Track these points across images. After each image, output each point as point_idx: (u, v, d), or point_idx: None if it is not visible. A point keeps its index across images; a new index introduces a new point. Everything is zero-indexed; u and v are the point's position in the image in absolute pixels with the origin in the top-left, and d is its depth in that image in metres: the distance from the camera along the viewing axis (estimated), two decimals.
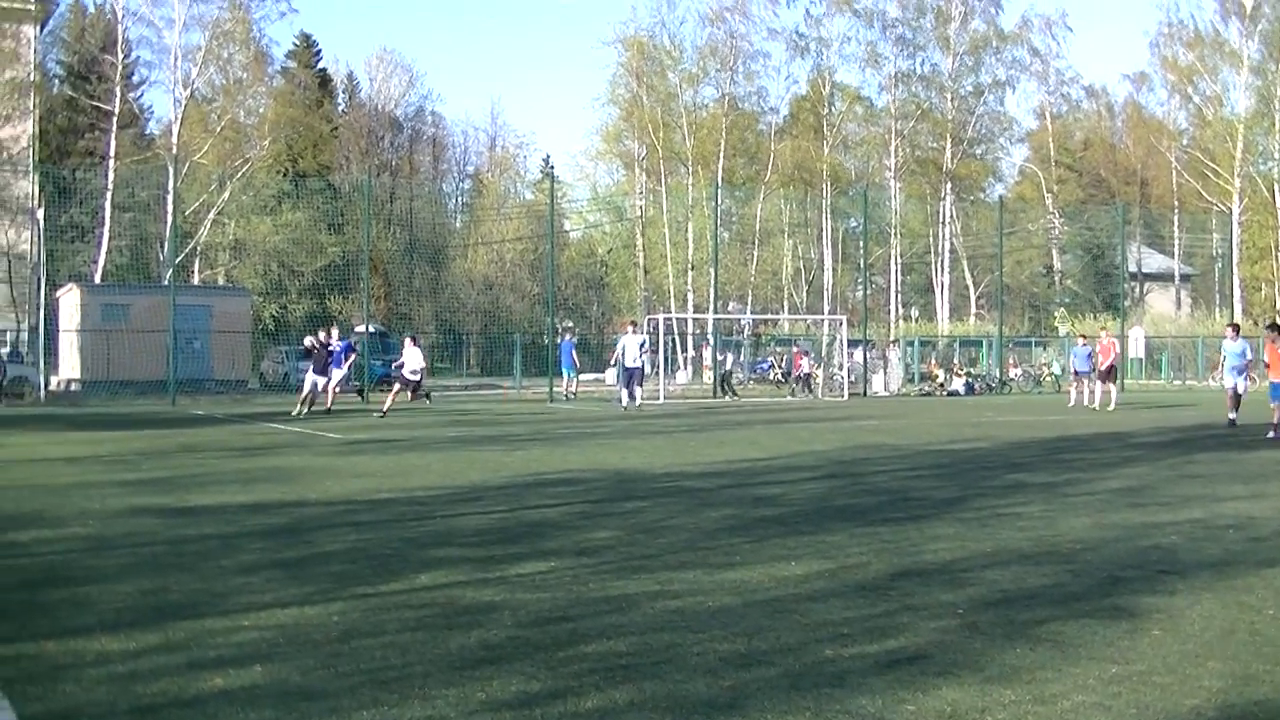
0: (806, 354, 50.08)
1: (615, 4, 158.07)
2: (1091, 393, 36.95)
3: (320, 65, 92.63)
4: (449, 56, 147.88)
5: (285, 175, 69.20)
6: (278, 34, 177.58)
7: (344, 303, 70.31)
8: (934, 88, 79.11)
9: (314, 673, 6.59)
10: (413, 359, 31.69)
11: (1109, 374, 36.54)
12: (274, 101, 68.13)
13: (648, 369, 39.36)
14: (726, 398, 44.78)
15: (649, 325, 43.60)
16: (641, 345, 37.70)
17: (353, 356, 33.61)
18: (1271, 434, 23.33)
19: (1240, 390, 26.78)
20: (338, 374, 32.36)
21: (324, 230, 72.32)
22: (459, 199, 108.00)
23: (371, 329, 38.79)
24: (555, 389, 44.58)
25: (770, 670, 6.69)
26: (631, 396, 35.81)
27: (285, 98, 69.89)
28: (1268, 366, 25.03)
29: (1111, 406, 35.32)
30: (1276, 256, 70.42)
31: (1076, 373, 38.86)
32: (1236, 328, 27.57)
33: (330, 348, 31.97)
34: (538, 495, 14.54)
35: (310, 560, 10.10)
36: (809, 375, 48.41)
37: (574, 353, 45.61)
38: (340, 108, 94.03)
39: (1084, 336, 42.68)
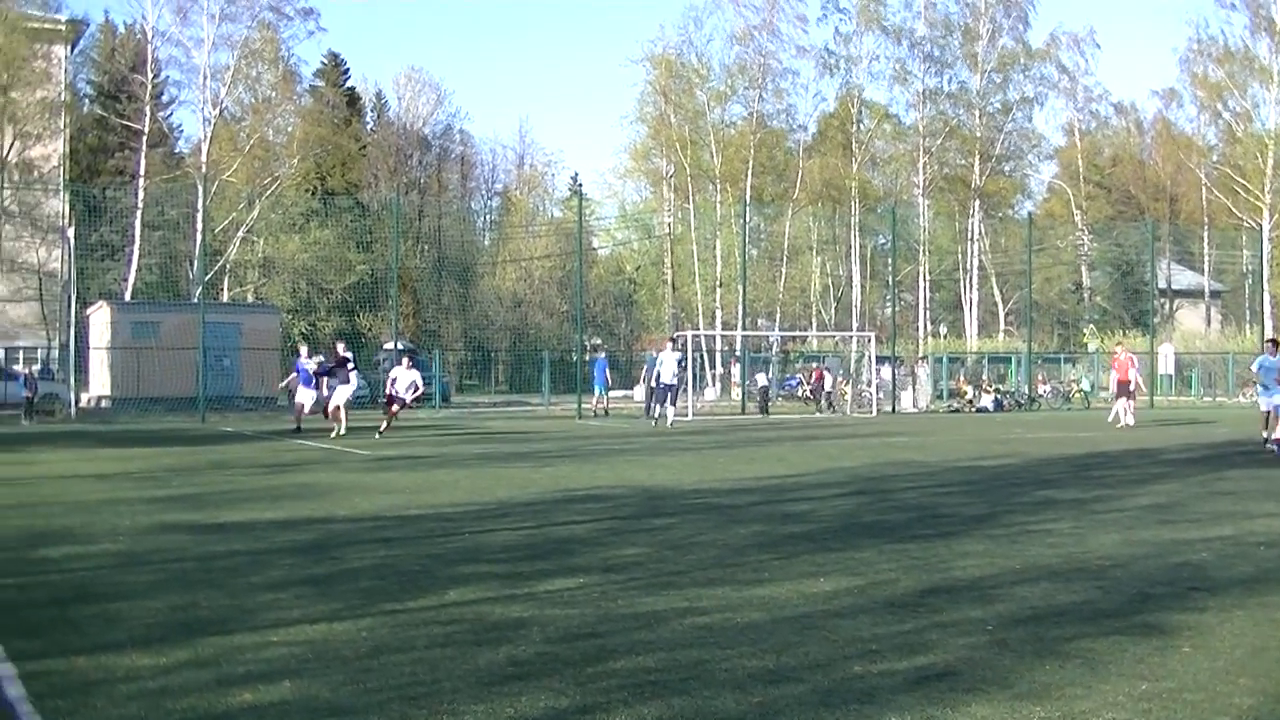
0: (828, 369, 50.08)
1: (643, 23, 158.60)
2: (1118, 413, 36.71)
3: (348, 84, 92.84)
4: (477, 75, 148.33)
5: (314, 193, 69.38)
6: (306, 53, 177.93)
7: (373, 320, 70.47)
8: (962, 105, 79.03)
9: (343, 689, 6.60)
10: (403, 379, 30.32)
11: (1126, 390, 36.22)
12: (302, 120, 68.36)
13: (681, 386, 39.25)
14: (759, 415, 44.77)
15: (677, 342, 43.57)
16: (680, 362, 37.76)
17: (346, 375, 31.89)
18: (1277, 448, 23.15)
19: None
20: (309, 394, 31.57)
21: (352, 248, 72.51)
22: (487, 217, 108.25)
23: (400, 346, 38.82)
24: (586, 405, 44.61)
25: (799, 687, 6.68)
26: (665, 414, 35.82)
27: (314, 116, 70.10)
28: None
29: (1130, 423, 34.97)
30: None
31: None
32: (1276, 343, 26.73)
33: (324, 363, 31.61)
34: (566, 512, 14.55)
35: (338, 576, 10.13)
36: (830, 391, 48.41)
37: (606, 370, 45.71)
38: (369, 126, 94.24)
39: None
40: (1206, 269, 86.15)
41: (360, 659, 7.23)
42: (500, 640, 7.74)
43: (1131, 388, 36.81)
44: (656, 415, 35.92)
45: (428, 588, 9.55)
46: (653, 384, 38.83)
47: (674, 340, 40.20)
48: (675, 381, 36.63)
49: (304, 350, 31.91)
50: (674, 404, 36.52)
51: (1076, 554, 11.21)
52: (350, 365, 30.36)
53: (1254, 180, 71.34)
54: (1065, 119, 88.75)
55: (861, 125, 77.68)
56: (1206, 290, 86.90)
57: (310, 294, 71.03)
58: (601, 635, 7.91)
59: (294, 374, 32.07)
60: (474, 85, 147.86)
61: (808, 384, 53.56)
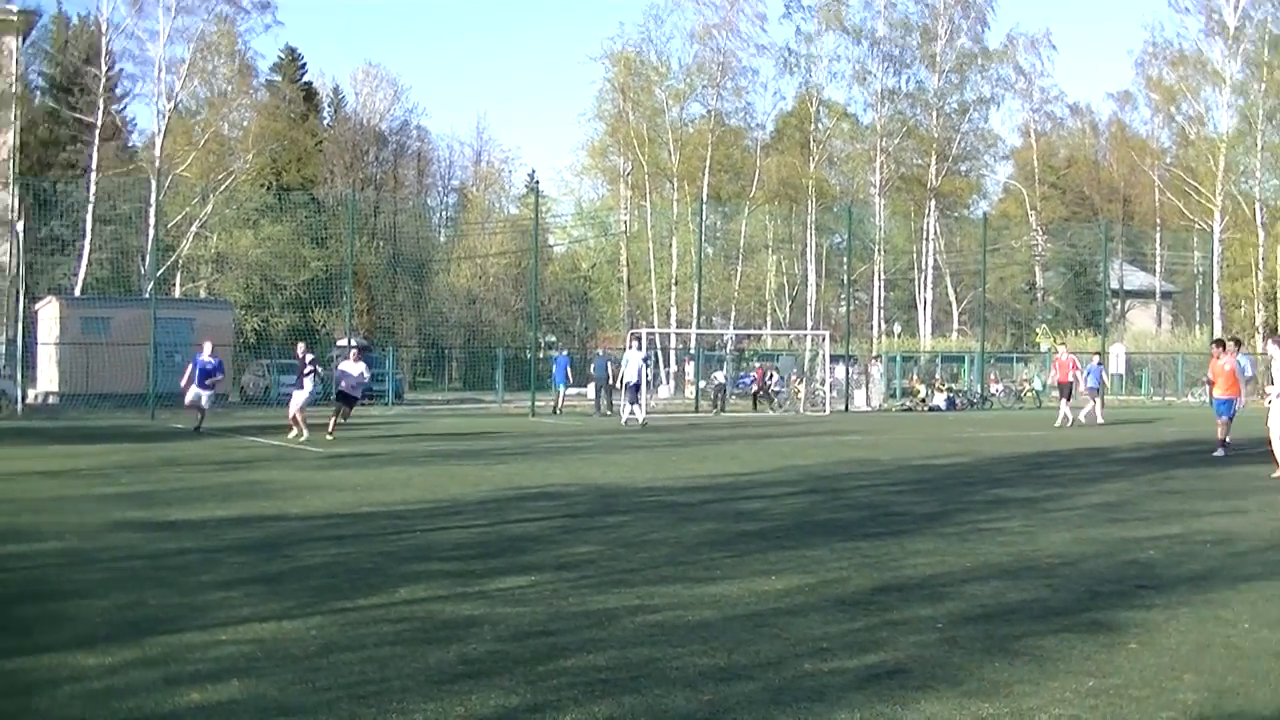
0: (776, 369, 50.30)
1: (604, 20, 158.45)
2: (1091, 411, 36.83)
3: (306, 79, 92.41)
4: (435, 71, 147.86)
5: (269, 189, 69.02)
6: (263, 47, 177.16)
7: (327, 316, 70.18)
8: (920, 105, 79.26)
9: (291, 687, 6.57)
10: (352, 371, 29.03)
11: (1067, 392, 36.27)
12: (258, 115, 67.94)
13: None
14: (714, 413, 44.83)
15: (632, 340, 43.59)
16: (646, 360, 37.77)
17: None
18: (1220, 451, 23.23)
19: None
20: (199, 392, 30.34)
21: (307, 244, 72.16)
22: (443, 213, 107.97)
23: (354, 342, 38.64)
24: (540, 403, 44.50)
25: (750, 685, 6.69)
26: (635, 412, 35.77)
27: (270, 111, 69.69)
28: (1210, 383, 24.91)
29: (1070, 423, 34.83)
30: (1256, 274, 70.61)
31: (1091, 389, 38.47)
32: (1238, 342, 26.48)
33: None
34: (518, 510, 14.53)
35: (290, 574, 10.08)
36: (780, 390, 48.60)
37: (568, 368, 45.65)
38: (325, 122, 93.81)
39: (1097, 353, 42.95)
40: (1158, 270, 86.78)
41: (310, 657, 7.20)
42: (451, 638, 7.73)
43: (1086, 388, 37.00)
44: (627, 415, 35.84)
45: (379, 586, 9.52)
46: (619, 383, 38.83)
47: (638, 339, 40.12)
48: (639, 379, 36.60)
49: (207, 348, 30.78)
50: (638, 402, 36.48)
51: (1027, 552, 11.28)
52: (309, 370, 29.48)
53: (1206, 183, 71.90)
54: (1021, 120, 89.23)
55: (820, 124, 77.82)
56: (1158, 291, 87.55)
57: (264, 290, 70.64)
58: (553, 633, 7.91)
59: (191, 368, 30.63)
60: (432, 81, 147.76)
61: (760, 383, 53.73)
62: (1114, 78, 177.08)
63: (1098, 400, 37.55)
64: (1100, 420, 36.09)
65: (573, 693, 6.49)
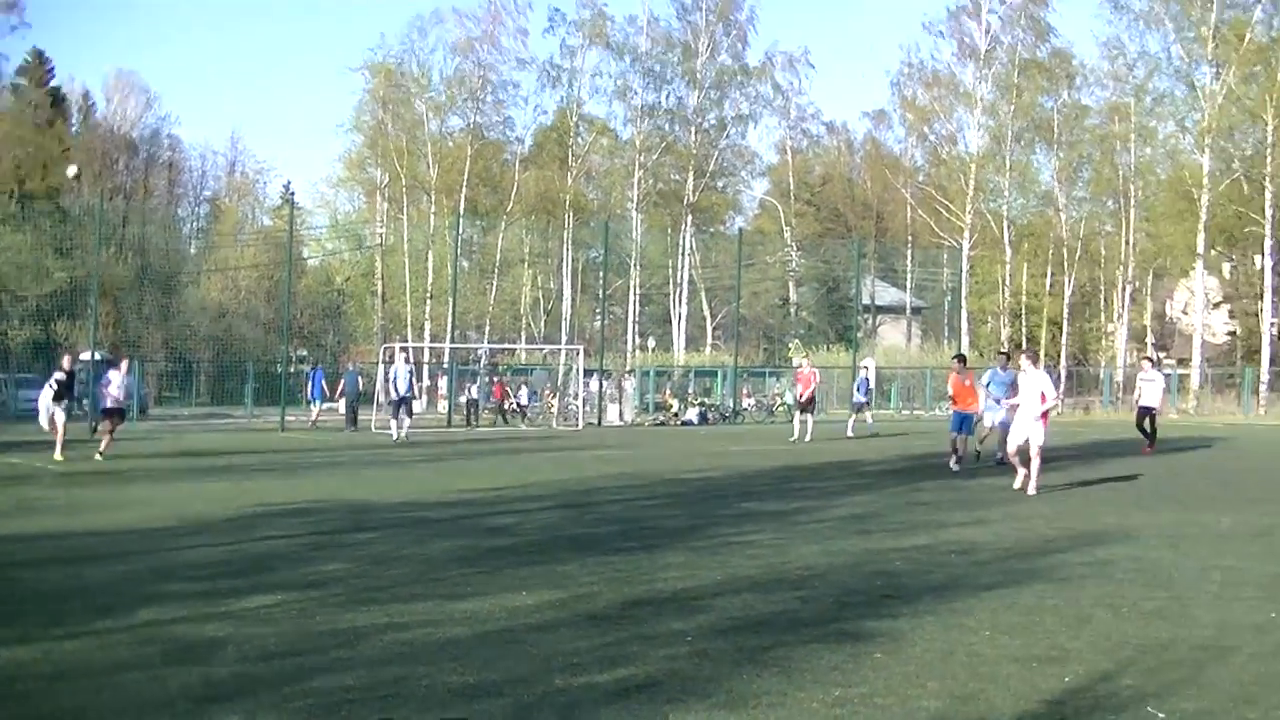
0: (525, 383, 50.73)
1: (363, 32, 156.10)
2: (858, 421, 37.49)
3: (53, 84, 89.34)
4: (189, 79, 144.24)
5: (11, 196, 66.52)
6: (9, 49, 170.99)
7: (70, 328, 67.83)
8: (679, 121, 79.98)
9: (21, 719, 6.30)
10: (116, 383, 26.92)
11: (808, 405, 35.60)
12: (1, 120, 65.46)
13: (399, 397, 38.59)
14: (467, 428, 44.61)
15: (386, 354, 43.10)
16: (410, 374, 37.40)
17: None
18: (953, 464, 23.57)
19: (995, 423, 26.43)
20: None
21: (51, 254, 69.71)
22: (195, 224, 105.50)
23: (99, 356, 37.34)
24: (300, 417, 43.71)
25: (500, 701, 6.64)
26: (402, 426, 35.18)
27: (14, 116, 67.24)
28: (952, 399, 25.32)
29: (809, 438, 33.94)
30: (1003, 290, 73.00)
31: (858, 402, 39.06)
32: (1009, 356, 26.31)
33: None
34: (266, 526, 14.23)
35: (18, 599, 9.69)
36: (525, 405, 48.88)
37: (324, 381, 44.91)
38: (73, 129, 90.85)
39: (865, 366, 43.87)
40: (909, 286, 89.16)
41: (40, 687, 6.91)
42: (194, 660, 7.51)
43: (854, 400, 37.61)
44: (404, 429, 35.20)
45: (117, 608, 9.20)
46: (387, 397, 38.37)
47: (405, 352, 39.68)
48: (408, 393, 36.19)
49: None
50: (409, 415, 36.01)
51: (777, 564, 11.42)
52: (65, 382, 27.87)
53: (956, 201, 74.12)
54: (778, 137, 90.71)
55: (579, 139, 78.08)
56: (908, 307, 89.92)
57: (3, 301, 68.02)
58: (300, 653, 7.75)
59: None
60: (186, 89, 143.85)
61: (510, 398, 53.85)
62: (870, 97, 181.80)
63: (861, 413, 38.37)
64: (850, 434, 36.53)
65: (320, 714, 6.35)
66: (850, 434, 36.45)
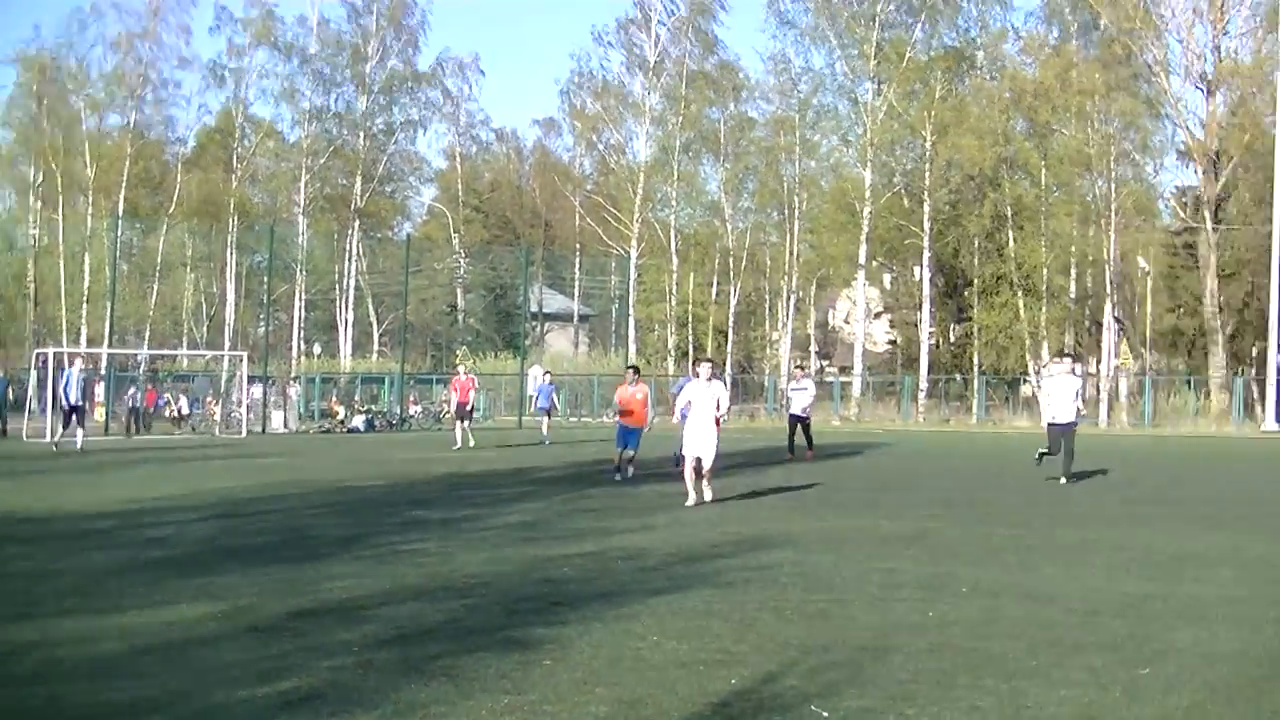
0: (185, 390, 49.46)
1: (16, 22, 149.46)
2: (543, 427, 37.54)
3: None
4: None
5: None
6: None
7: None
8: (348, 125, 79.11)
9: None
10: None
11: (467, 413, 36.27)
12: None
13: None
14: (125, 435, 43.06)
15: (38, 360, 41.24)
16: (84, 381, 35.70)
17: None
18: (618, 477, 23.00)
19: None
20: None
21: None
22: None
23: None
24: None
25: (158, 718, 6.38)
26: (75, 433, 33.44)
27: None
28: (625, 414, 23.55)
29: (472, 444, 34.26)
30: (670, 299, 74.10)
31: (542, 410, 38.97)
32: (714, 363, 25.09)
33: None
34: None
35: None
36: (142, 410, 47.67)
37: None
38: None
39: (548, 372, 44.08)
40: (577, 294, 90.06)
41: None
42: None
43: (469, 408, 37.20)
44: (79, 438, 33.31)
45: None
46: (57, 404, 36.55)
47: (81, 358, 37.98)
48: (79, 401, 34.38)
49: None
50: (81, 424, 34.15)
51: (444, 572, 11.32)
52: None
53: (625, 210, 75.11)
54: (447, 143, 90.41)
55: (245, 141, 76.50)
56: (576, 314, 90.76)
57: None
58: None
59: None
60: None
61: (174, 405, 52.41)
62: (540, 105, 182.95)
63: (546, 419, 38.38)
64: (546, 440, 36.25)
65: None
66: (546, 440, 36.29)
